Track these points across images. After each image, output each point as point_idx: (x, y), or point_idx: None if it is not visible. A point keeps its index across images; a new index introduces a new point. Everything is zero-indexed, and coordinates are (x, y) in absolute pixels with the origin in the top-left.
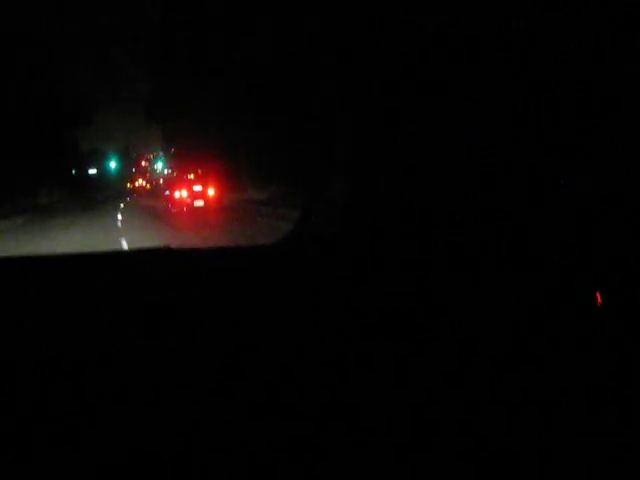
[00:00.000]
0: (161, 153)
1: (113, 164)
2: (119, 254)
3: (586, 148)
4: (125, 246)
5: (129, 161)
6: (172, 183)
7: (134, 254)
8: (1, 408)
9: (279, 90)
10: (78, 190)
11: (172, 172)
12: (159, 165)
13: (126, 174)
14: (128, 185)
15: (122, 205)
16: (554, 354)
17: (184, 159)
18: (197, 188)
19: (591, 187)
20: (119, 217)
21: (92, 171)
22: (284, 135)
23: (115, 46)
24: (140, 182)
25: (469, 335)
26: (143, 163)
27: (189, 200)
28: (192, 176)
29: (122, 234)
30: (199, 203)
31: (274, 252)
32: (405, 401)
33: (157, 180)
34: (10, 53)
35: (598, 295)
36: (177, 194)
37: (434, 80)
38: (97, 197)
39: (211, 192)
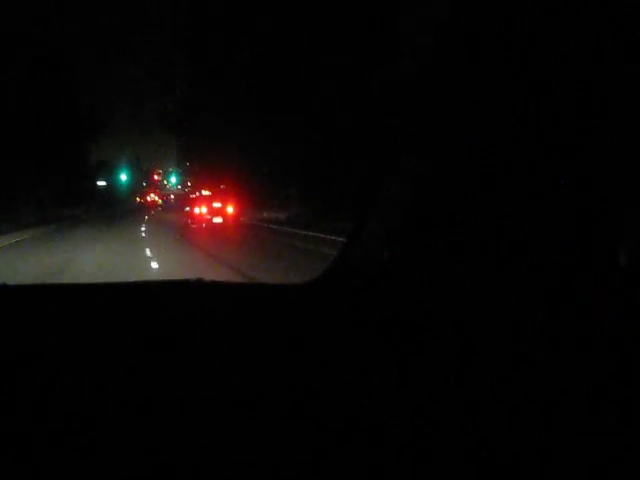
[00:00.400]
0: (171, 168)
1: (123, 177)
2: (153, 284)
3: (586, 148)
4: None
5: (140, 174)
6: (192, 200)
7: (167, 284)
8: (27, 421)
9: (308, 104)
10: (84, 204)
11: (184, 187)
12: (173, 179)
13: (136, 188)
14: (138, 199)
15: (143, 229)
16: (554, 354)
17: (200, 174)
18: (216, 205)
19: (591, 187)
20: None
21: (101, 183)
22: (312, 155)
23: (128, 56)
24: (152, 197)
25: (469, 335)
26: (155, 177)
27: (208, 217)
28: (207, 192)
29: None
30: (218, 220)
31: (308, 291)
32: (405, 401)
33: (169, 195)
34: (27, 69)
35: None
36: (197, 210)
37: (434, 80)
38: (105, 214)
39: (230, 210)
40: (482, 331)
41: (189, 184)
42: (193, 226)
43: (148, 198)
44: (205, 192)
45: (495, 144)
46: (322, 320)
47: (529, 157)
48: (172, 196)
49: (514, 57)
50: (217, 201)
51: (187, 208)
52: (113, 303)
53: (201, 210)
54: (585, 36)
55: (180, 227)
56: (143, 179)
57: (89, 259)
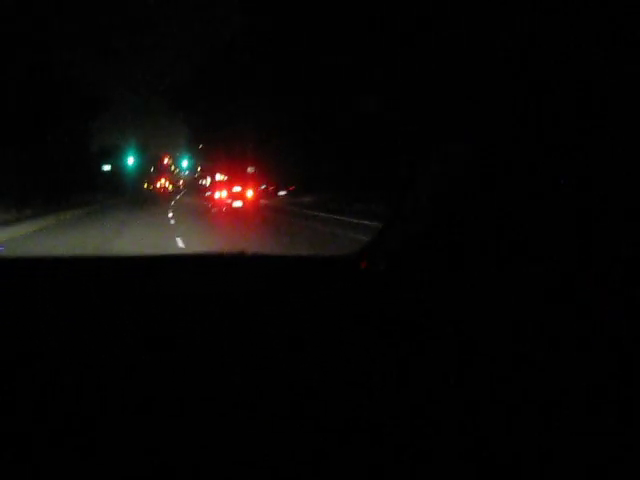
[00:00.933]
0: (178, 153)
1: (130, 160)
2: (190, 257)
3: (586, 148)
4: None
5: (148, 159)
6: (212, 185)
7: (209, 257)
8: (26, 418)
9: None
10: (91, 192)
11: (193, 173)
12: (184, 163)
13: (145, 173)
14: (145, 186)
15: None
16: (554, 354)
17: (214, 157)
18: (236, 189)
19: (591, 187)
20: None
21: (106, 168)
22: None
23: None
24: (162, 182)
25: (469, 335)
26: (166, 161)
27: (228, 200)
28: (222, 177)
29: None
30: (238, 204)
31: (339, 265)
32: (405, 401)
33: (178, 181)
34: (12, 46)
35: None
36: (217, 195)
37: (434, 80)
38: (107, 202)
39: (249, 194)
40: (482, 331)
41: (199, 169)
42: (214, 210)
43: (158, 184)
44: (219, 177)
45: (495, 144)
46: (319, 310)
47: (529, 157)
48: (181, 182)
49: (514, 57)
50: (237, 185)
51: (208, 193)
52: (108, 284)
53: (221, 194)
54: (585, 36)
55: (204, 210)
56: (151, 164)
57: None
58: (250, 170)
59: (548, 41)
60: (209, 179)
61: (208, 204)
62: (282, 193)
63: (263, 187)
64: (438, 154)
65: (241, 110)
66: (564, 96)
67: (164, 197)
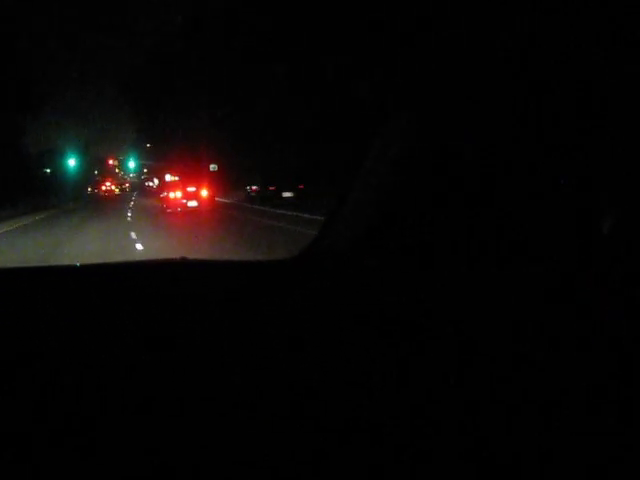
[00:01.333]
0: (122, 155)
1: (72, 162)
2: (133, 265)
3: (586, 148)
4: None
5: (90, 161)
6: (167, 184)
7: (149, 264)
8: (25, 418)
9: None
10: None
11: (140, 174)
12: (131, 164)
13: (88, 176)
14: (89, 189)
15: None
16: (554, 354)
17: (163, 156)
18: (191, 189)
19: (591, 187)
20: None
21: (47, 170)
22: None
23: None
24: (108, 185)
25: (469, 335)
26: (111, 162)
27: (183, 201)
28: (172, 177)
29: None
30: (193, 204)
31: (294, 267)
32: (405, 401)
33: (124, 184)
34: None
35: None
36: (172, 195)
37: (434, 80)
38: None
39: (204, 193)
40: (482, 331)
41: (145, 170)
42: (169, 210)
43: (103, 187)
44: (170, 177)
45: (495, 144)
46: (318, 309)
47: (529, 157)
48: (127, 184)
49: (514, 57)
50: (191, 185)
51: (163, 194)
52: (103, 290)
53: (176, 195)
54: (585, 36)
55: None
56: (95, 167)
57: None
58: (212, 168)
59: (548, 41)
60: (156, 181)
61: (163, 205)
62: (287, 195)
63: (252, 187)
64: (389, 129)
65: (195, 105)
66: (564, 96)
67: (114, 201)
